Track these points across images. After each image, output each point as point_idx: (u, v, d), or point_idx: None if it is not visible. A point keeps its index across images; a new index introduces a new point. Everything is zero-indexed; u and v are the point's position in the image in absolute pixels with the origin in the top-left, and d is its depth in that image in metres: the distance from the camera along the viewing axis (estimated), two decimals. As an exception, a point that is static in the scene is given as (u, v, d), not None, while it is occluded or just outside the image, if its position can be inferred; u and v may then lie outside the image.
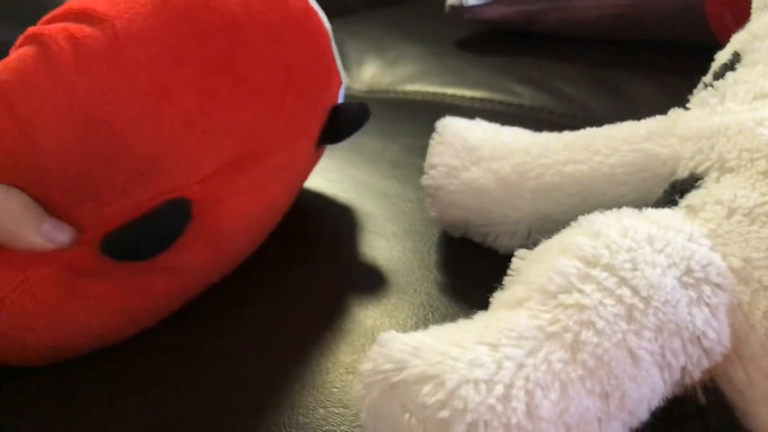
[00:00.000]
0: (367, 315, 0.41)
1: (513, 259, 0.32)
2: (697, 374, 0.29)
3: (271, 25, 0.40)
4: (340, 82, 0.47)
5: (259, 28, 0.39)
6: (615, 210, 0.32)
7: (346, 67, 0.73)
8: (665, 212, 0.32)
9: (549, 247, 0.31)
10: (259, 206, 0.42)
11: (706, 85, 0.39)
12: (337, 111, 0.46)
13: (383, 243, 0.46)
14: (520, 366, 0.26)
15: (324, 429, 0.35)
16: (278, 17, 0.40)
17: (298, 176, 0.46)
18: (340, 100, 0.47)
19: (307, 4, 0.43)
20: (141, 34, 0.34)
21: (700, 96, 0.38)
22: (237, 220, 0.40)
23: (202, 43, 0.36)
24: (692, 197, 0.33)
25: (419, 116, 0.61)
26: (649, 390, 0.28)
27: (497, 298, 0.31)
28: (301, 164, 0.45)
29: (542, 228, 0.41)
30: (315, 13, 0.43)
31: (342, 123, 0.46)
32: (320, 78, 0.44)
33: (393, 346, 0.27)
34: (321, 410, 0.36)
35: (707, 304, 0.29)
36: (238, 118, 0.38)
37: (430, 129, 0.46)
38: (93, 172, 0.33)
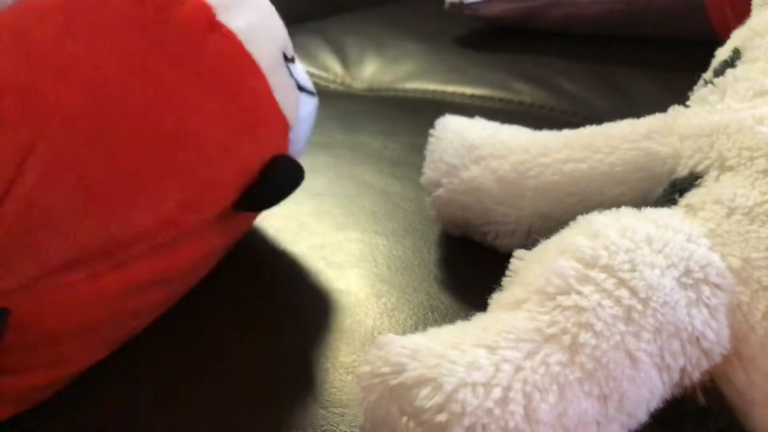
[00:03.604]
0: (367, 314, 0.41)
1: (511, 260, 0.32)
2: (696, 375, 0.29)
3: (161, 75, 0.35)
4: (279, 129, 0.40)
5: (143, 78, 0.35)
6: (614, 209, 0.32)
7: (346, 65, 0.73)
8: (664, 212, 0.32)
9: (547, 247, 0.31)
10: (122, 288, 0.35)
11: (706, 82, 0.39)
12: (271, 167, 0.39)
13: (383, 241, 0.46)
14: (518, 369, 0.26)
15: (323, 429, 0.35)
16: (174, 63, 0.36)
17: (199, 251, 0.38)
18: (294, 147, 0.43)
19: (235, 43, 0.38)
20: None
21: (700, 93, 0.38)
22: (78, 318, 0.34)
23: None
24: (692, 196, 0.33)
25: (419, 114, 0.61)
26: (648, 392, 0.28)
27: (496, 299, 0.31)
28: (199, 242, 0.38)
29: (542, 227, 0.41)
30: (243, 54, 0.39)
31: (269, 185, 0.39)
32: (239, 130, 0.38)
33: (391, 349, 0.27)
34: (321, 410, 0.36)
35: (706, 305, 0.29)
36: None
37: (430, 127, 0.46)
38: None
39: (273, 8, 0.43)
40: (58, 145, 0.32)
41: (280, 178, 0.40)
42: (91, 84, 0.33)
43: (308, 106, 0.45)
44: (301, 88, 0.44)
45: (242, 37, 0.39)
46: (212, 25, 0.38)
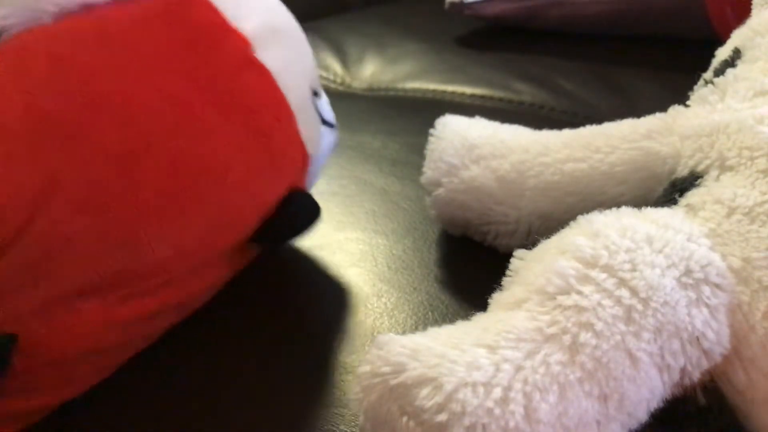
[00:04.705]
0: (366, 314, 0.41)
1: (512, 260, 0.32)
2: (696, 375, 0.29)
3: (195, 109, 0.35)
4: (300, 166, 0.41)
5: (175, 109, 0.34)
6: (614, 209, 0.32)
7: (346, 65, 0.73)
8: (665, 211, 0.32)
9: (548, 247, 0.31)
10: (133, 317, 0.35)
11: (706, 82, 0.39)
12: (288, 203, 0.39)
13: (383, 241, 0.46)
14: (519, 368, 0.26)
15: (323, 429, 0.35)
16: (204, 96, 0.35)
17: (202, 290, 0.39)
18: (309, 180, 0.43)
19: (269, 80, 0.38)
20: None
21: (700, 93, 0.38)
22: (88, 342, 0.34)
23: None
24: (692, 196, 0.33)
25: (419, 114, 0.61)
26: (649, 391, 0.28)
27: (496, 299, 0.31)
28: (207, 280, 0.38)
29: (542, 227, 0.41)
30: (275, 92, 0.39)
31: (286, 221, 0.39)
32: (263, 167, 0.38)
33: (391, 349, 0.27)
34: (321, 410, 0.36)
35: (707, 305, 0.29)
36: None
37: (430, 127, 0.46)
38: None
39: (305, 38, 0.43)
40: (86, 175, 0.32)
41: (297, 214, 0.40)
42: (123, 116, 0.33)
43: (328, 139, 0.45)
44: (323, 122, 0.44)
45: (276, 73, 0.39)
46: (248, 61, 0.38)
